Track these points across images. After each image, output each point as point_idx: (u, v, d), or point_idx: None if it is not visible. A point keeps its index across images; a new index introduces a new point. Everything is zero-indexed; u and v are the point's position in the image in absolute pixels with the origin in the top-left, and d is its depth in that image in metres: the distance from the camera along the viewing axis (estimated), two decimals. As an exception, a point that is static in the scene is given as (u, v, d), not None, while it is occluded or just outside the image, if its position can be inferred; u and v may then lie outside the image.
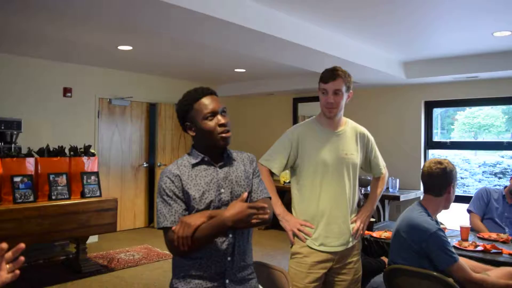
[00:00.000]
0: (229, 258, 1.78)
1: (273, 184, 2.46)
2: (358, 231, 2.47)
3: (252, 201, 1.86)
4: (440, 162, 2.55)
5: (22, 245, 1.24)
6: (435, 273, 2.36)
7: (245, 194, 1.77)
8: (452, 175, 2.53)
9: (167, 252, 5.56)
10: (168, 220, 1.74)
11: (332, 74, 2.35)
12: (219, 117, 1.81)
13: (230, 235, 1.78)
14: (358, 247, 2.53)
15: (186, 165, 1.83)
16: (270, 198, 1.94)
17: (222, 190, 1.81)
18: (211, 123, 1.79)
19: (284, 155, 2.45)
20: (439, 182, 2.53)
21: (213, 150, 1.85)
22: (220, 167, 1.85)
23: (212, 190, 1.79)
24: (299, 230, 2.39)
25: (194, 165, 1.83)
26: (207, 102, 1.81)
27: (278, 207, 2.43)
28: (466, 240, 3.34)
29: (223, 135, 1.80)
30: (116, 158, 6.98)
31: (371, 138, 2.60)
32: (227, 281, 1.78)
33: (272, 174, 2.48)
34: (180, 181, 1.78)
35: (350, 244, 2.43)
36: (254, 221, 1.69)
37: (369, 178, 5.65)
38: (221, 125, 1.80)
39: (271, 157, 2.48)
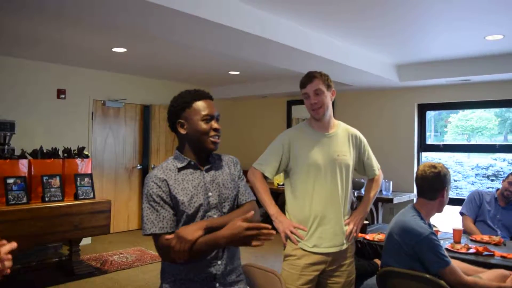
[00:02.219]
0: (219, 262, 1.79)
1: (267, 187, 2.50)
2: (352, 234, 2.48)
3: (240, 204, 1.89)
4: (434, 166, 2.55)
5: (14, 244, 1.29)
6: (427, 276, 2.37)
7: (251, 213, 1.70)
8: (446, 179, 2.54)
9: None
10: (157, 227, 1.72)
11: (308, 78, 2.44)
12: (213, 122, 1.84)
13: None
14: (352, 250, 2.54)
15: (171, 169, 1.81)
16: (256, 200, 1.98)
17: (210, 194, 1.81)
18: (206, 126, 1.82)
19: (276, 159, 2.49)
20: (433, 186, 2.54)
21: (200, 153, 1.86)
22: (206, 171, 1.85)
23: (200, 194, 1.79)
24: (292, 232, 2.41)
25: (180, 169, 1.82)
26: (206, 105, 1.84)
27: (272, 208, 2.45)
28: (459, 242, 3.35)
29: (214, 139, 1.84)
30: (110, 160, 6.96)
31: (364, 139, 2.62)
32: (217, 284, 1.79)
33: (266, 177, 2.51)
34: (167, 185, 1.76)
35: (344, 246, 2.44)
36: (255, 243, 1.62)
37: (362, 180, 5.68)
38: (214, 130, 1.83)
39: (264, 161, 2.52)
